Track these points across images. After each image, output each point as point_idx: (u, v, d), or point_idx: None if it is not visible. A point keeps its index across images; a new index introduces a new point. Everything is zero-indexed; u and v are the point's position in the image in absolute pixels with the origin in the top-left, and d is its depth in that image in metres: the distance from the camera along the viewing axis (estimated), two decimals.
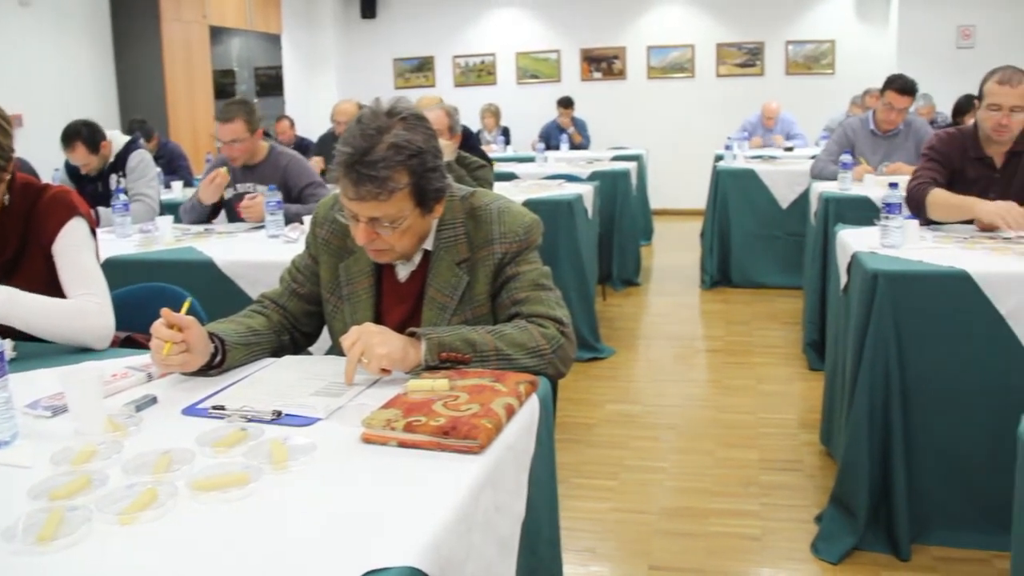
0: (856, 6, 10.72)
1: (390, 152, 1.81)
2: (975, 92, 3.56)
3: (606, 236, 6.51)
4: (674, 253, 8.46)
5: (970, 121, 3.56)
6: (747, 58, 11.02)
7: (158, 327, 1.81)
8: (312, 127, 9.79)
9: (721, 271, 6.77)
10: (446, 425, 1.48)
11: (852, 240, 3.24)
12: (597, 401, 4.45)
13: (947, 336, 2.79)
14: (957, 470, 2.86)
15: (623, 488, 3.50)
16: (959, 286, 2.75)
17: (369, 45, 11.78)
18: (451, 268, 2.01)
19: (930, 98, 8.40)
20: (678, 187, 10.82)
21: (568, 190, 5.36)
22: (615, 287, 6.79)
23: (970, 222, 3.43)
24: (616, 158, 8.17)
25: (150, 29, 8.33)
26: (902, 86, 5.25)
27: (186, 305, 1.93)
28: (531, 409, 1.69)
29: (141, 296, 2.65)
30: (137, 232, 3.97)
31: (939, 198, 3.42)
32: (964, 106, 7.30)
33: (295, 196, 4.24)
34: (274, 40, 10.41)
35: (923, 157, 3.66)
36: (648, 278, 7.38)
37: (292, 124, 8.52)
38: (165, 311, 1.81)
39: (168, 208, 4.88)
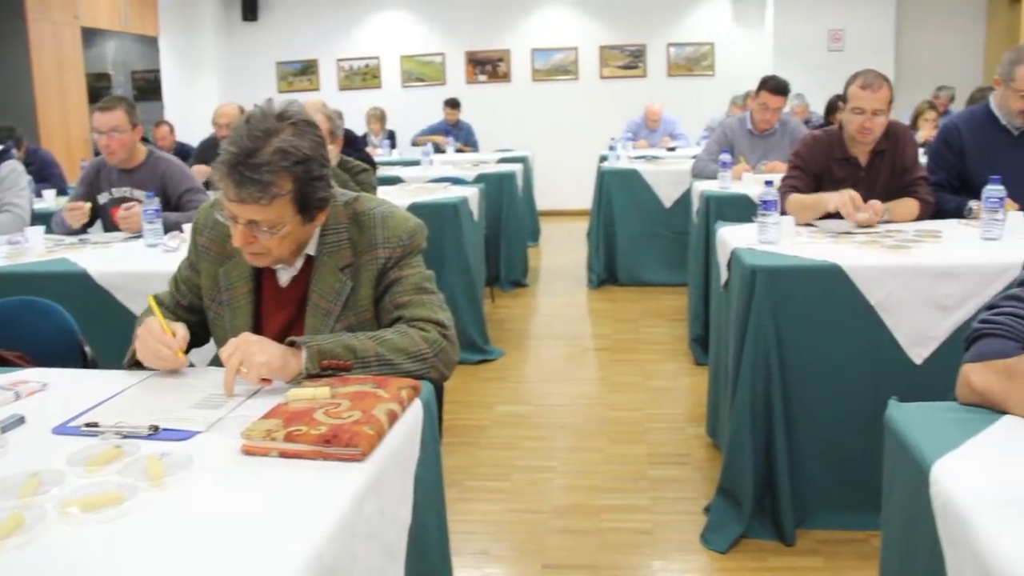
0: (734, 10, 11.02)
1: (276, 156, 1.78)
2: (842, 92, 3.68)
3: (493, 238, 6.52)
4: (561, 253, 8.53)
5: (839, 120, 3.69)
6: (630, 60, 11.20)
7: (158, 343, 1.87)
8: (193, 132, 9.52)
9: (607, 270, 6.85)
10: (327, 433, 1.45)
11: (731, 237, 3.32)
12: (487, 403, 4.45)
13: (822, 327, 2.88)
14: (836, 456, 2.96)
15: (515, 489, 3.50)
16: (832, 279, 2.85)
17: (251, 48, 11.54)
18: (334, 273, 1.98)
19: (803, 97, 8.71)
20: (564, 188, 10.93)
21: (454, 193, 5.35)
22: (503, 288, 6.81)
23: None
24: (502, 160, 8.20)
25: (15, 30, 7.97)
26: (775, 87, 5.42)
27: (152, 303, 1.96)
28: (414, 414, 1.67)
29: (9, 311, 2.53)
30: (5, 244, 3.79)
31: (794, 203, 3.56)
32: (834, 106, 7.57)
33: (174, 202, 4.12)
34: (151, 43, 10.09)
35: (788, 164, 3.80)
36: (536, 279, 7.43)
37: (172, 129, 8.25)
38: (157, 332, 1.87)
39: (40, 218, 4.66)
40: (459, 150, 9.26)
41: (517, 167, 7.41)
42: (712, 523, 3.07)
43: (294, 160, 1.80)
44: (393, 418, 1.57)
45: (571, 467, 3.69)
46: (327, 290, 1.98)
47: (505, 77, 11.40)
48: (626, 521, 3.21)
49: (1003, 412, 1.52)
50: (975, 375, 1.55)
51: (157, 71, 10.19)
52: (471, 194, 5.37)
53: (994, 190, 3.22)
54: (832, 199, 3.50)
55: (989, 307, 1.64)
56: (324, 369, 1.76)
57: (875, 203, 3.49)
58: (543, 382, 4.83)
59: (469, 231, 5.12)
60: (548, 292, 7.02)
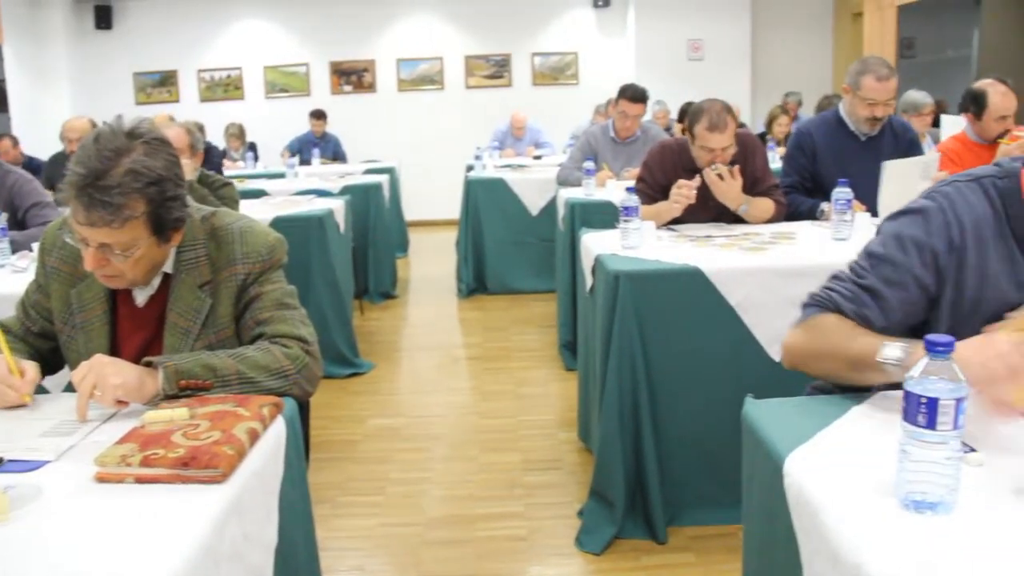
0: (597, 20, 11.23)
1: (127, 178, 1.71)
2: (702, 100, 3.77)
3: (361, 250, 6.46)
4: (430, 264, 8.51)
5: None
6: (495, 70, 11.27)
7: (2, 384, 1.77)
8: (44, 147, 9.09)
9: (477, 279, 6.87)
10: (186, 456, 1.41)
11: (595, 243, 3.37)
12: (359, 417, 4.40)
13: (685, 328, 2.96)
14: (703, 453, 3.03)
15: (390, 502, 3.47)
16: (693, 281, 2.93)
17: (106, 58, 11.05)
18: (193, 291, 1.92)
19: (665, 105, 8.95)
20: (432, 198, 10.90)
21: (319, 205, 5.27)
22: (373, 301, 6.74)
23: (714, 219, 3.70)
24: (369, 171, 8.13)
25: None
26: (633, 95, 5.54)
27: (1, 338, 1.83)
28: (277, 432, 1.64)
29: None
30: None
31: (642, 214, 3.62)
32: (687, 112, 7.79)
33: (20, 216, 3.93)
34: None
35: (637, 174, 3.90)
36: (406, 290, 7.39)
37: (16, 143, 7.81)
38: (3, 372, 1.77)
39: None
40: (325, 162, 9.12)
41: (384, 178, 7.36)
42: (586, 526, 3.11)
43: (147, 181, 1.73)
44: (255, 437, 1.54)
45: (445, 478, 3.68)
46: (185, 308, 1.92)
47: (371, 87, 11.32)
48: (502, 529, 3.22)
49: (843, 392, 1.63)
50: (787, 337, 1.75)
51: (2, 81, 9.69)
52: (337, 206, 5.30)
53: (843, 192, 3.37)
54: (666, 207, 3.60)
55: None
56: (183, 389, 1.71)
57: (737, 186, 3.61)
58: (415, 393, 4.81)
59: (336, 244, 5.06)
60: (418, 303, 6.99)
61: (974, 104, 4.23)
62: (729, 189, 3.59)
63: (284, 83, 11.29)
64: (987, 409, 1.42)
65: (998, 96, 4.13)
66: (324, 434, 4.15)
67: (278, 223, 4.70)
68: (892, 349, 1.54)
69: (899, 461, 1.23)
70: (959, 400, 1.18)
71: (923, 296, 1.72)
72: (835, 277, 1.78)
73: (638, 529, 3.06)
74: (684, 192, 3.57)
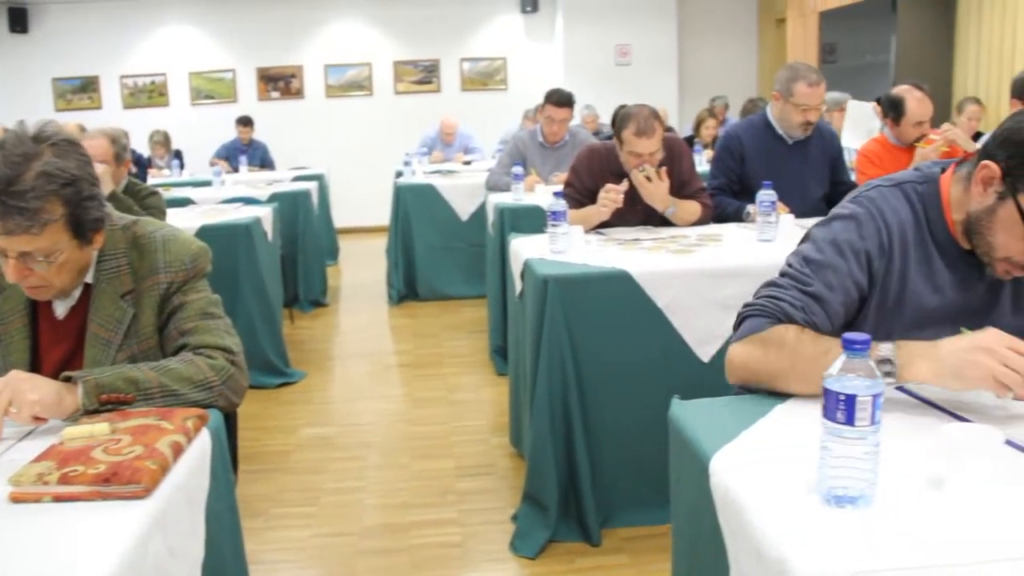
0: (525, 25, 11.27)
1: (40, 181, 1.66)
2: (631, 103, 3.80)
3: (290, 258, 6.39)
4: (361, 271, 8.45)
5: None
6: (424, 75, 11.24)
7: None
8: None
9: (407, 285, 6.84)
10: (106, 472, 1.38)
11: (524, 248, 3.39)
12: (291, 427, 4.35)
13: (614, 331, 2.98)
14: (634, 455, 3.06)
15: (323, 513, 3.44)
16: (621, 284, 2.96)
17: (21, 63, 10.71)
18: (114, 301, 1.88)
19: (594, 109, 9.01)
20: (361, 205, 10.82)
21: (246, 213, 5.20)
22: (303, 309, 6.67)
23: (642, 222, 3.73)
24: (297, 178, 8.05)
25: None
26: (558, 99, 5.57)
27: None
28: (202, 444, 1.61)
29: None
30: None
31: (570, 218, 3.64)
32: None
33: None
34: None
35: (565, 179, 3.92)
36: (336, 297, 7.33)
37: None
38: None
39: None
40: (253, 170, 9.00)
41: (312, 185, 7.30)
42: (520, 530, 3.11)
43: (61, 182, 1.69)
44: (178, 450, 1.51)
45: (379, 486, 3.66)
46: (107, 319, 1.88)
47: (298, 94, 11.20)
48: (436, 536, 3.22)
49: (768, 391, 1.65)
50: (734, 353, 1.71)
51: None
52: (264, 214, 5.24)
53: (767, 195, 3.43)
54: (594, 211, 3.64)
55: (753, 296, 1.79)
56: (103, 404, 1.67)
57: (664, 186, 3.65)
58: (347, 402, 4.77)
59: (264, 252, 5.00)
60: (349, 310, 6.94)
61: (892, 110, 4.34)
62: (657, 191, 3.63)
63: (210, 89, 11.11)
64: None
65: (915, 102, 4.25)
66: (255, 445, 4.09)
67: (204, 231, 4.63)
68: (886, 349, 1.55)
69: (820, 457, 1.25)
70: (876, 396, 1.21)
71: (859, 298, 1.76)
72: (774, 285, 1.76)
73: (572, 532, 3.08)
74: (612, 196, 3.60)
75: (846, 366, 1.23)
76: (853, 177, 4.43)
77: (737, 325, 1.76)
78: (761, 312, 1.71)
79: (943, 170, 1.81)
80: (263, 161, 9.27)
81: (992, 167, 1.62)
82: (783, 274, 1.78)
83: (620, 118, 3.68)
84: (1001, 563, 1.09)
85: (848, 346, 1.23)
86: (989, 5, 7.41)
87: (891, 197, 1.78)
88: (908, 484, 1.30)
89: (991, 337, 1.50)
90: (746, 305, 1.76)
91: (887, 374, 1.54)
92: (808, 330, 1.66)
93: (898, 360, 1.53)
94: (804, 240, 1.85)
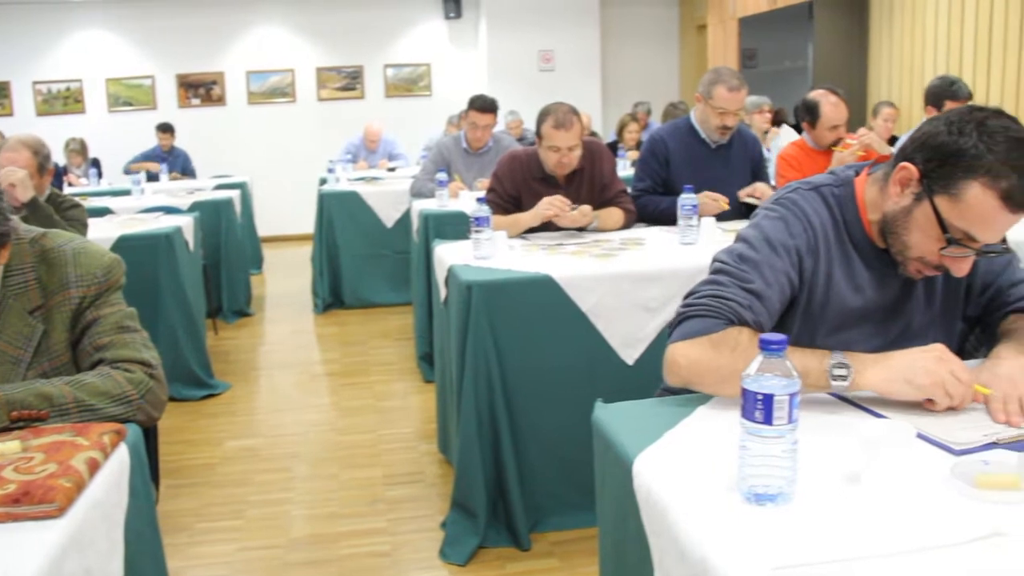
0: (449, 31, 11.26)
1: None
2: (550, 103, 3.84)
3: (212, 268, 6.29)
4: (286, 280, 8.35)
5: None
6: (347, 82, 11.16)
7: None
8: None
9: (333, 294, 6.78)
10: (17, 492, 1.34)
11: (448, 254, 3.38)
12: (216, 439, 4.28)
13: (539, 336, 3.00)
14: (562, 459, 3.07)
15: (250, 526, 3.39)
16: (545, 289, 2.97)
17: None
18: (23, 317, 1.83)
19: (518, 114, 9.04)
20: (286, 213, 10.70)
21: (167, 223, 5.10)
22: (227, 320, 6.57)
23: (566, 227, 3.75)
24: (219, 187, 7.92)
25: None
26: (482, 105, 5.58)
27: None
28: (120, 460, 1.57)
29: None
30: None
31: (494, 224, 3.64)
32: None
33: None
34: None
35: (488, 184, 3.93)
36: (261, 307, 7.23)
37: None
38: None
39: None
40: (173, 178, 8.83)
41: (235, 193, 7.20)
42: (449, 537, 3.10)
43: None
44: (95, 467, 1.47)
45: (307, 497, 3.62)
46: (15, 336, 1.82)
47: (220, 100, 11.03)
48: (365, 545, 3.19)
49: (701, 393, 1.66)
50: (680, 353, 1.66)
51: None
52: (186, 223, 5.15)
53: (688, 199, 3.47)
54: (528, 216, 3.66)
55: (689, 294, 1.77)
56: (14, 421, 1.62)
57: (585, 207, 3.68)
58: (273, 412, 4.71)
59: (185, 262, 4.91)
60: (274, 320, 6.85)
61: (808, 114, 4.43)
62: (576, 221, 3.67)
63: (128, 96, 10.87)
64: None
65: (829, 107, 4.34)
66: (179, 459, 4.02)
67: (123, 242, 4.54)
68: (839, 365, 1.58)
69: (739, 457, 1.27)
70: (792, 395, 1.23)
71: (791, 296, 1.80)
72: (715, 283, 1.75)
73: (501, 537, 3.08)
74: (558, 205, 3.62)
75: (763, 366, 1.25)
76: (772, 181, 4.51)
77: (676, 324, 1.73)
78: (709, 312, 1.69)
79: (857, 173, 1.86)
80: (184, 169, 9.11)
81: (910, 169, 1.66)
82: (719, 271, 1.78)
83: (540, 114, 3.73)
84: (914, 554, 1.12)
85: (765, 346, 1.25)
86: (899, 13, 7.63)
87: (811, 199, 1.83)
88: (826, 480, 1.33)
89: (942, 349, 1.57)
90: (687, 305, 1.73)
91: (840, 378, 1.58)
92: (759, 334, 1.65)
93: (853, 367, 1.57)
94: (735, 240, 1.86)
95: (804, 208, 1.81)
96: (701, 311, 1.69)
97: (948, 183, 1.60)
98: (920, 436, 1.48)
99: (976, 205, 1.58)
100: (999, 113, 1.62)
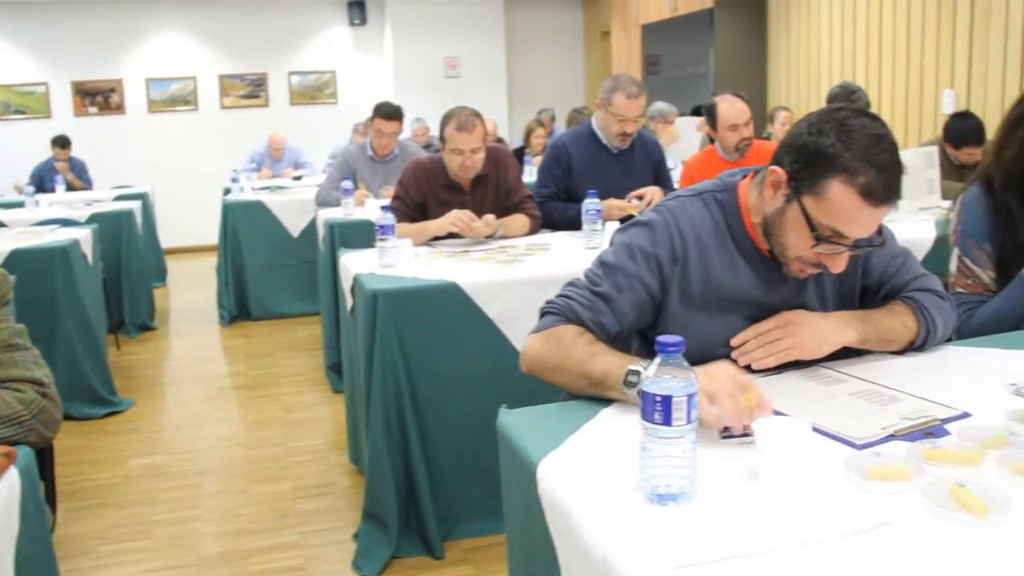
0: (354, 38, 11.19)
1: None
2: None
3: (113, 281, 6.14)
4: (191, 292, 8.18)
5: None
6: (251, 89, 11.01)
7: None
8: None
9: (239, 305, 6.68)
10: None
11: (353, 263, 3.36)
12: (120, 458, 4.16)
13: (446, 343, 2.99)
14: (473, 465, 3.07)
15: (156, 546, 3.31)
16: (451, 296, 2.97)
17: None
18: None
19: (424, 122, 9.02)
20: (190, 223, 10.48)
21: (63, 236, 4.95)
22: (129, 334, 6.40)
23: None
24: (119, 198, 7.72)
25: None
26: (386, 112, 5.57)
27: None
28: (9, 484, 1.52)
29: None
30: None
31: (400, 233, 3.60)
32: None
33: None
34: None
35: (393, 192, 3.92)
36: (166, 320, 7.07)
37: None
38: None
39: None
40: (70, 188, 8.55)
41: (136, 204, 7.02)
42: (361, 549, 3.08)
43: None
44: None
45: (215, 513, 3.55)
46: None
47: (119, 109, 10.75)
48: (277, 561, 3.15)
49: (605, 397, 1.67)
50: (528, 342, 1.82)
51: None
52: (83, 236, 5.00)
53: (592, 203, 3.51)
54: (434, 225, 3.66)
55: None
56: None
57: (489, 217, 3.69)
58: (179, 428, 4.61)
59: (83, 276, 4.78)
60: (179, 333, 6.70)
61: (709, 116, 4.53)
62: (481, 232, 3.69)
63: (20, 104, 10.51)
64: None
65: (726, 105, 4.44)
66: (79, 480, 3.90)
67: (16, 256, 4.41)
68: (631, 372, 1.61)
69: (640, 458, 1.29)
70: (691, 396, 1.25)
71: (650, 300, 1.85)
72: (571, 284, 1.85)
73: (414, 547, 3.07)
74: (466, 222, 3.63)
75: (661, 368, 1.27)
76: (677, 186, 4.58)
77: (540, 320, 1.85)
78: (554, 309, 1.81)
79: (743, 177, 1.90)
80: (80, 178, 8.81)
81: (779, 172, 1.71)
82: (584, 275, 1.87)
83: (443, 118, 3.75)
84: (810, 546, 1.15)
85: (662, 348, 1.27)
86: (796, 19, 7.85)
87: (690, 206, 1.87)
88: (727, 478, 1.35)
89: (723, 367, 1.55)
90: (546, 302, 1.85)
91: (631, 383, 1.61)
92: (588, 333, 1.75)
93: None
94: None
95: (677, 215, 1.85)
96: (551, 308, 1.82)
97: (812, 183, 1.66)
98: (820, 431, 1.51)
99: (838, 202, 1.64)
100: (860, 112, 1.68)
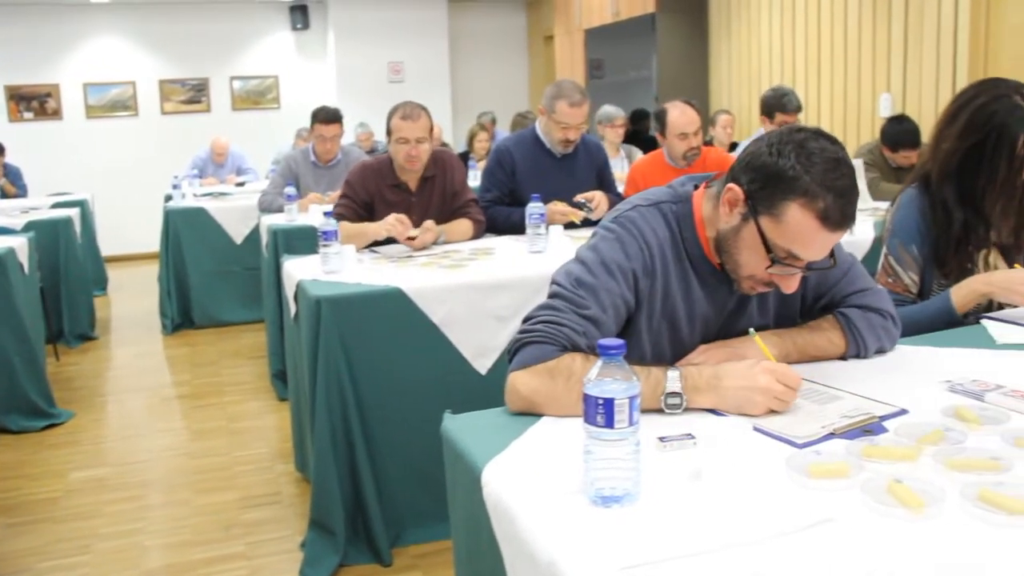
0: (296, 43, 11.11)
1: None
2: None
3: (51, 290, 6.03)
4: (133, 300, 8.06)
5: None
6: (192, 94, 10.88)
7: None
8: None
9: (182, 313, 6.60)
10: None
11: (296, 269, 3.33)
12: (59, 471, 4.08)
13: (391, 349, 2.99)
14: (420, 471, 3.06)
15: (98, 560, 3.25)
16: (395, 302, 2.96)
17: None
18: None
19: (368, 126, 8.99)
20: (131, 231, 10.31)
21: None
22: (69, 344, 6.28)
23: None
24: (57, 205, 7.56)
25: None
26: (325, 116, 5.57)
27: None
28: None
29: None
30: None
31: (342, 231, 3.52)
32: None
33: None
34: None
35: (341, 192, 3.91)
36: (107, 330, 6.95)
37: None
38: None
39: None
40: (4, 194, 8.36)
41: (74, 212, 6.88)
42: (309, 557, 3.05)
43: None
44: None
45: (159, 526, 3.50)
46: None
47: (55, 114, 10.55)
48: (223, 572, 3.12)
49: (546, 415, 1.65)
50: (520, 382, 1.65)
51: None
52: (19, 245, 4.89)
53: (535, 207, 3.52)
54: (374, 227, 3.66)
55: (526, 319, 1.76)
56: None
57: (428, 223, 3.69)
58: (122, 440, 4.53)
59: (19, 286, 4.67)
60: (121, 343, 6.59)
61: (659, 123, 4.55)
62: (419, 243, 3.68)
63: None
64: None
65: (676, 113, 4.47)
66: (17, 495, 3.82)
67: None
68: (673, 381, 1.61)
69: (584, 461, 1.29)
70: (632, 398, 1.26)
71: (627, 316, 1.82)
72: (551, 308, 1.73)
73: (362, 554, 3.05)
74: (399, 229, 3.61)
75: (603, 371, 1.27)
76: (620, 189, 4.60)
77: (515, 351, 1.71)
78: (544, 339, 1.67)
79: (696, 187, 1.89)
80: (14, 184, 8.61)
81: (736, 190, 1.70)
82: (555, 295, 1.77)
83: (389, 112, 3.79)
84: (754, 544, 1.17)
85: (604, 352, 1.28)
86: (736, 24, 7.95)
87: (649, 217, 1.84)
88: (670, 479, 1.36)
89: (764, 375, 1.60)
90: (523, 331, 1.71)
91: (674, 406, 1.61)
92: (592, 357, 1.64)
93: (685, 395, 1.61)
94: (571, 260, 1.86)
95: (642, 227, 1.82)
96: (537, 337, 1.68)
97: (770, 204, 1.65)
98: (761, 431, 1.53)
99: (795, 225, 1.64)
100: (819, 134, 1.67)
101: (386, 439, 3.02)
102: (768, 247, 1.68)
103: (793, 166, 1.62)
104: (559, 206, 3.92)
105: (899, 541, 1.16)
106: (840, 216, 1.63)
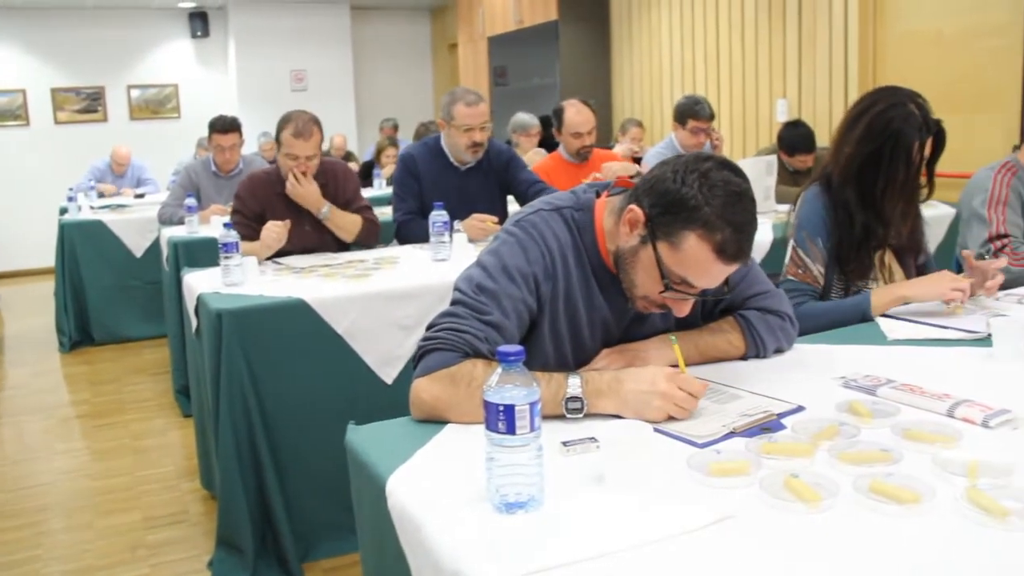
0: (196, 51, 10.92)
1: None
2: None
3: None
4: (27, 318, 7.80)
5: None
6: (88, 103, 10.60)
7: None
8: None
9: (81, 330, 6.42)
10: None
11: (197, 283, 3.27)
12: None
13: (295, 362, 2.95)
14: (327, 482, 3.01)
15: None
16: (299, 313, 2.93)
17: None
18: None
19: (270, 136, 8.85)
20: (23, 245, 9.98)
21: None
22: None
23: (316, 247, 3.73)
24: None
25: None
26: (222, 126, 5.49)
27: None
28: None
29: None
30: None
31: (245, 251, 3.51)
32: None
33: None
34: None
35: (232, 208, 3.86)
36: None
37: None
38: None
39: None
40: None
41: None
42: None
43: None
44: None
45: (61, 551, 3.39)
46: None
47: None
48: None
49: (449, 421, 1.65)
50: (422, 389, 1.65)
51: None
52: None
53: (439, 215, 3.52)
54: (258, 248, 3.61)
55: (429, 326, 1.75)
56: None
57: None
58: (17, 463, 4.37)
59: None
60: (15, 363, 6.36)
61: (556, 120, 4.64)
62: (307, 193, 3.69)
63: None
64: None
65: (572, 111, 4.56)
66: None
67: None
68: (574, 387, 1.62)
69: (488, 468, 1.30)
70: (533, 404, 1.26)
71: (529, 320, 1.82)
72: (452, 315, 1.73)
73: (271, 570, 3.00)
74: (275, 234, 3.59)
75: (503, 378, 1.27)
76: None
77: (418, 358, 1.71)
78: (446, 346, 1.67)
79: (598, 194, 1.91)
80: None
81: (637, 212, 1.71)
82: (457, 302, 1.77)
83: (279, 121, 3.72)
84: (660, 543, 1.19)
85: (503, 358, 1.28)
86: (637, 32, 8.08)
87: (552, 221, 1.85)
88: (573, 483, 1.37)
89: (665, 381, 1.62)
90: (426, 338, 1.71)
91: (576, 410, 1.62)
92: (494, 363, 1.59)
93: (586, 399, 1.62)
94: (473, 265, 1.85)
95: (543, 231, 1.82)
96: (439, 344, 1.67)
97: (669, 231, 1.67)
98: (660, 432, 1.56)
99: (692, 255, 1.66)
100: (724, 165, 1.68)
101: (293, 452, 2.98)
102: (663, 272, 1.70)
103: (695, 196, 1.63)
104: (477, 223, 3.87)
105: (797, 534, 1.19)
106: (736, 250, 1.65)
